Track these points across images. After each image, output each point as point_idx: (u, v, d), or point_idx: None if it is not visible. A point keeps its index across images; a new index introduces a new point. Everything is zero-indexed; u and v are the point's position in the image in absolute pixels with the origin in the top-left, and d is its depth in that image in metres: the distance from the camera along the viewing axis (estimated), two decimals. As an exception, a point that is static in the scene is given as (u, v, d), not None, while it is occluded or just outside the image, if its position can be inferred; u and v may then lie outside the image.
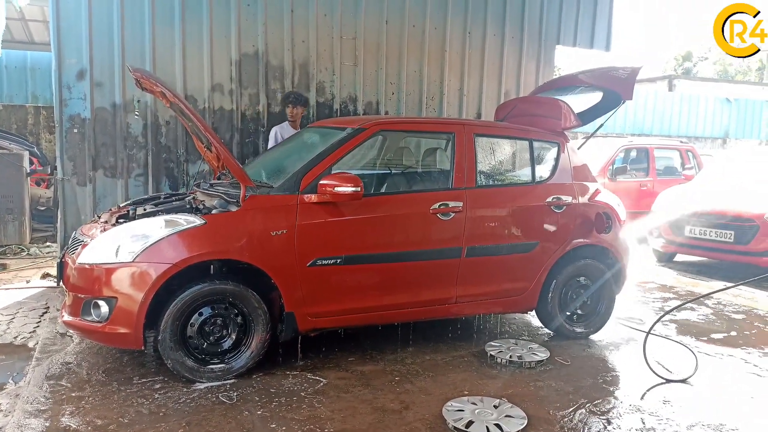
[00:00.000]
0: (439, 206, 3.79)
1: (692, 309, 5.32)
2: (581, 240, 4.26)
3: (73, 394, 3.14)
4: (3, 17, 6.60)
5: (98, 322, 3.22)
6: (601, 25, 7.15)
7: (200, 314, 3.30)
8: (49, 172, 8.60)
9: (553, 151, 4.38)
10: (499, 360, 3.77)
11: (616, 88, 4.51)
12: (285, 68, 5.74)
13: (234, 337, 3.38)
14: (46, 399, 3.08)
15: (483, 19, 6.53)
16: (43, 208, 8.47)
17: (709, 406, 3.29)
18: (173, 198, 4.16)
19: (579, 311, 4.36)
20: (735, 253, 6.59)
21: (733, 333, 4.65)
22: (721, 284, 6.25)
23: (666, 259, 7.58)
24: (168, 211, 3.60)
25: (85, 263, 3.28)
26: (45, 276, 5.66)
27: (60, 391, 3.17)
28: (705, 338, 4.48)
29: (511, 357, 3.79)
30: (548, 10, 6.84)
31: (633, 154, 9.61)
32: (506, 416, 3.00)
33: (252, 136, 5.69)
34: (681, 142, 11.05)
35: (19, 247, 6.92)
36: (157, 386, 3.26)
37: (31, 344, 3.91)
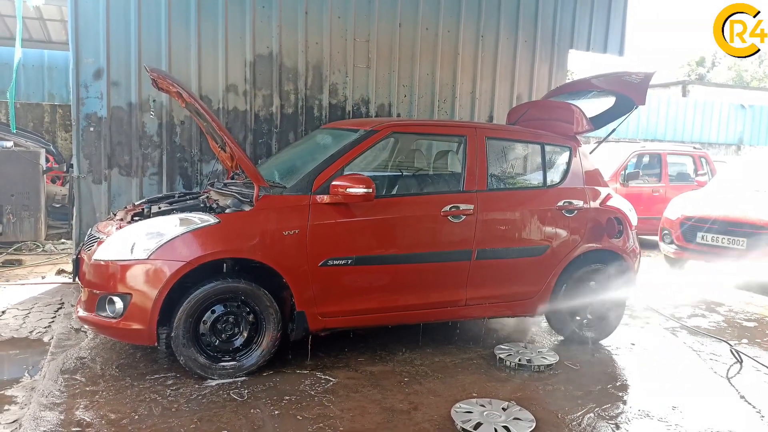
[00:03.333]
0: (450, 209, 3.81)
1: (703, 316, 5.30)
2: (592, 245, 4.25)
3: (87, 389, 3.19)
4: (19, 18, 6.71)
5: (113, 317, 3.27)
6: (615, 29, 7.13)
7: (213, 312, 3.35)
8: (65, 169, 8.70)
9: (565, 155, 4.38)
10: (508, 363, 3.78)
11: (628, 93, 4.51)
12: (299, 70, 5.78)
13: (245, 335, 3.42)
14: (61, 393, 3.13)
15: (496, 23, 6.54)
16: (58, 205, 8.57)
17: (718, 413, 3.28)
18: (187, 197, 4.21)
19: (589, 316, 4.35)
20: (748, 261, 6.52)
21: (745, 341, 4.63)
22: (732, 291, 6.22)
23: (678, 265, 7.53)
24: (182, 210, 3.65)
25: (100, 260, 3.33)
26: (60, 272, 5.73)
27: (74, 385, 3.23)
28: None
29: (520, 360, 3.80)
30: (562, 14, 6.83)
31: (645, 159, 9.56)
32: (515, 419, 3.01)
33: (265, 137, 5.74)
34: (694, 148, 10.98)
35: (34, 244, 7.01)
36: (170, 382, 3.30)
37: (46, 339, 3.98)
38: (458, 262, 3.88)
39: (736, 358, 4.07)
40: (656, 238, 7.69)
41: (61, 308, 4.65)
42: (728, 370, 3.87)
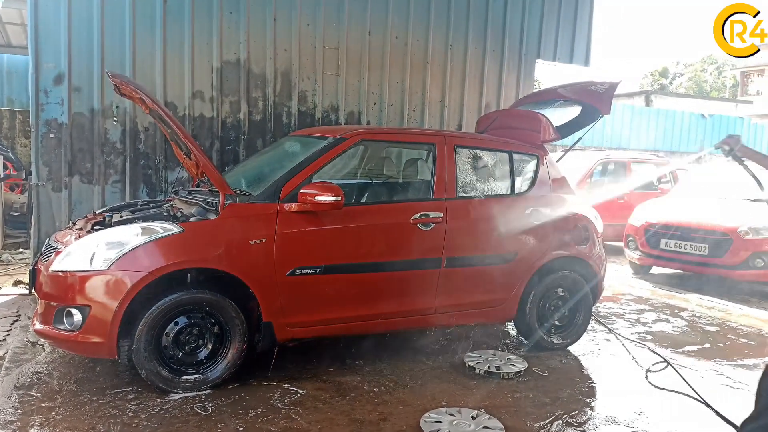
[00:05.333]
0: (420, 217, 3.80)
1: (667, 321, 5.40)
2: (559, 252, 4.29)
3: (44, 405, 3.06)
4: None
5: (71, 330, 3.16)
6: (581, 40, 7.28)
7: (176, 323, 3.25)
8: (24, 177, 8.45)
9: (533, 163, 4.43)
10: (477, 371, 3.78)
11: (594, 103, 4.59)
12: (267, 76, 5.73)
13: (210, 347, 3.34)
14: (15, 410, 3.00)
15: (465, 33, 6.60)
16: (16, 214, 8.30)
17: (683, 417, 3.33)
18: (150, 205, 4.11)
19: (556, 322, 4.39)
20: (709, 266, 6.71)
21: (707, 345, 4.73)
22: (695, 296, 6.37)
23: (642, 271, 7.69)
24: (145, 219, 3.56)
25: (58, 270, 3.22)
26: (17, 283, 5.53)
27: (30, 402, 3.10)
28: (680, 350, 4.54)
29: (489, 368, 3.80)
30: (529, 25, 6.94)
31: (611, 167, 9.77)
32: (484, 427, 3.00)
33: (232, 144, 5.65)
34: (657, 156, 11.25)
35: (-10, 254, 6.76)
36: (131, 397, 3.19)
37: (0, 353, 3.82)
38: (428, 270, 3.86)
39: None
40: (621, 244, 7.84)
41: (17, 320, 4.47)
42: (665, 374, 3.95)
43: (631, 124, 18.88)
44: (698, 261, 6.75)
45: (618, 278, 7.33)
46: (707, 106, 22.74)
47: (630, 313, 5.61)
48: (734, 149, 2.87)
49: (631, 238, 7.53)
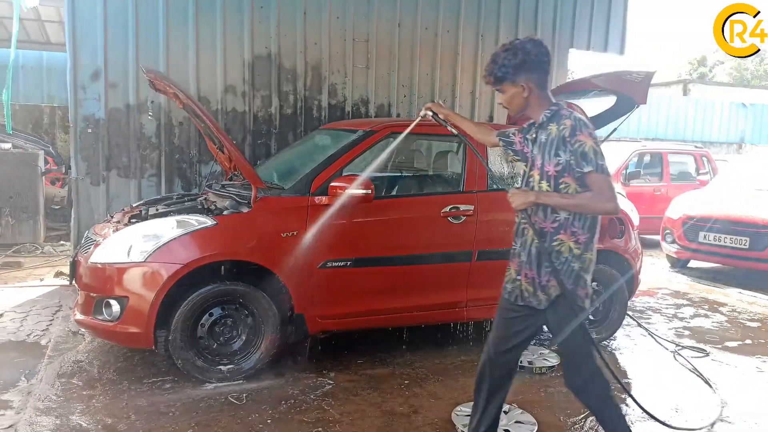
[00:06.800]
0: (450, 209, 3.78)
1: (706, 316, 5.26)
2: (593, 245, 4.21)
3: (84, 393, 3.16)
4: (16, 18, 6.73)
5: (110, 321, 3.24)
6: (615, 28, 7.10)
7: (211, 315, 3.31)
8: (64, 171, 8.69)
9: (566, 155, 4.34)
10: (509, 365, 3.74)
11: (629, 93, 4.46)
12: (297, 70, 5.75)
13: (244, 338, 3.39)
14: (58, 397, 3.10)
15: (496, 23, 6.51)
16: (57, 207, 8.55)
17: (722, 415, 3.24)
18: (185, 199, 4.18)
19: (591, 317, 4.31)
20: (750, 260, 6.49)
21: (749, 341, 4.59)
22: (735, 291, 6.18)
23: (680, 265, 7.49)
24: (180, 212, 3.62)
25: (97, 262, 3.30)
26: (58, 274, 5.70)
27: (71, 389, 3.20)
28: (720, 346, 4.42)
29: (521, 362, 3.75)
30: (562, 13, 6.80)
31: (647, 158, 9.52)
32: (516, 422, 2.98)
33: (264, 138, 5.71)
34: (695, 147, 10.93)
35: (33, 246, 6.98)
36: (167, 386, 3.27)
37: (43, 342, 3.95)
38: (459, 264, 3.84)
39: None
40: (658, 237, 7.65)
41: (59, 311, 4.62)
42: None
43: (668, 114, 18.35)
44: (738, 254, 6.55)
45: (654, 272, 7.17)
46: (747, 94, 21.94)
47: (667, 308, 5.48)
48: (436, 113, 2.90)
49: (668, 231, 7.34)
